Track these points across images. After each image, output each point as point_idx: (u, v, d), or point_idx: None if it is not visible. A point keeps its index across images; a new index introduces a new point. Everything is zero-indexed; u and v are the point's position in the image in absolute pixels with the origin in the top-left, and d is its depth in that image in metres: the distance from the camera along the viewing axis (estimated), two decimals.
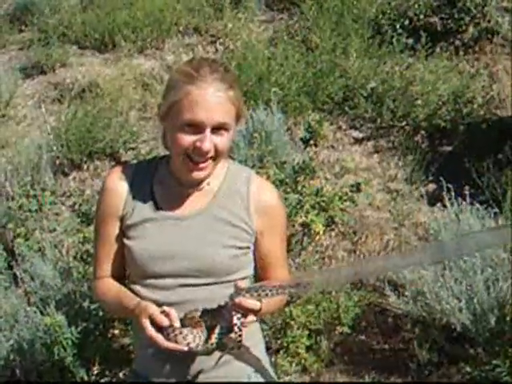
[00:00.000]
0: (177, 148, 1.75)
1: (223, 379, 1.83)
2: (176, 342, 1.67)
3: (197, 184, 1.83)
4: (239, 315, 1.68)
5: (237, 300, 1.67)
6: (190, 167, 1.76)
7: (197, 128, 1.71)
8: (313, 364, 3.39)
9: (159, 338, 1.68)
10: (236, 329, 1.69)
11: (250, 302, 1.67)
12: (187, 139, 1.72)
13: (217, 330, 1.73)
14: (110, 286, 1.90)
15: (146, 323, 1.69)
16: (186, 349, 1.67)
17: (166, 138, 1.85)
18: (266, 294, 1.70)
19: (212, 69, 1.73)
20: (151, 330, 1.68)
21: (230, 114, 1.75)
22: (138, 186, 1.86)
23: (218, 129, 1.73)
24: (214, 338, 1.72)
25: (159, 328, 1.69)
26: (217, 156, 1.76)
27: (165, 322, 1.68)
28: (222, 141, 1.75)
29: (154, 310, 1.70)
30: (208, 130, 1.71)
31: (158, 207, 1.83)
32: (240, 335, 1.69)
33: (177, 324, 1.69)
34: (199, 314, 1.76)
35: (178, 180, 1.84)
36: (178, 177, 1.83)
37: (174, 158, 1.81)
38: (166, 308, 1.72)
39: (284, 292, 1.71)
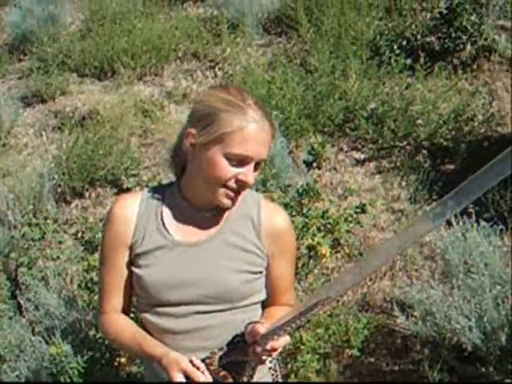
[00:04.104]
0: (217, 177, 1.70)
1: None
2: None
3: (215, 208, 1.79)
4: (270, 358, 1.68)
5: (268, 347, 1.63)
6: (226, 195, 1.74)
7: (242, 161, 1.70)
8: None
9: None
10: (272, 371, 1.71)
11: (281, 342, 1.65)
12: (231, 170, 1.70)
13: (247, 372, 1.72)
14: (123, 326, 1.85)
15: (179, 378, 1.65)
16: None
17: (176, 164, 1.83)
18: (292, 327, 1.67)
19: (254, 101, 1.74)
20: None
21: (269, 148, 1.75)
22: (146, 213, 1.82)
23: (258, 163, 1.74)
24: (245, 377, 1.71)
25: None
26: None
27: (201, 377, 1.65)
28: (257, 173, 1.75)
29: (187, 363, 1.66)
30: (253, 165, 1.71)
31: (168, 234, 1.79)
32: (277, 375, 1.72)
33: (209, 378, 1.66)
34: (217, 357, 1.73)
35: (194, 205, 1.80)
36: (195, 203, 1.80)
37: (200, 183, 1.76)
38: (194, 360, 1.68)
39: (306, 317, 1.68)
